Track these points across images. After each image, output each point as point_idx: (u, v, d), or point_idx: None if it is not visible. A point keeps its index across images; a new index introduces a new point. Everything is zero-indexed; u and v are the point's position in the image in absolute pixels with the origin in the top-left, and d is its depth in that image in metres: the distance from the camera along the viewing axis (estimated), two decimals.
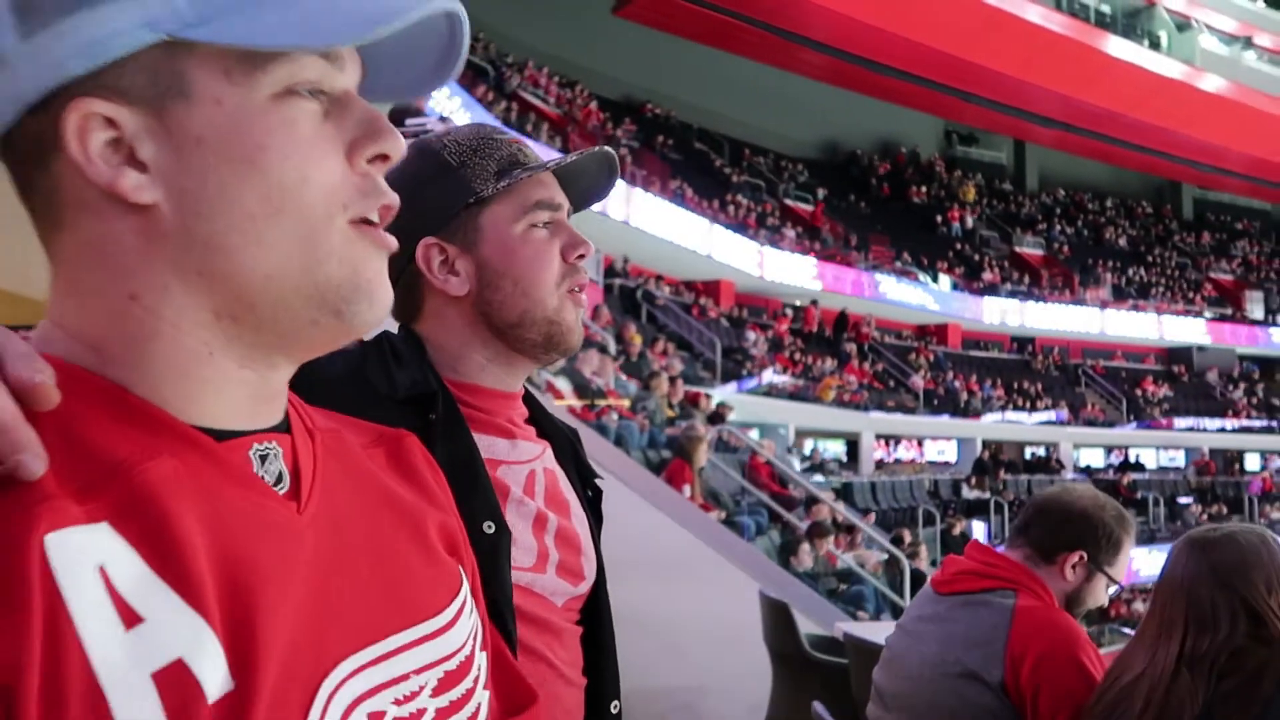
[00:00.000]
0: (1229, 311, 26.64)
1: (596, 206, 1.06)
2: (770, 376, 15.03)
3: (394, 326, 0.97)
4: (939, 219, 25.47)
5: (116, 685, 0.39)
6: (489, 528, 0.84)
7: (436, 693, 0.52)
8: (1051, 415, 20.65)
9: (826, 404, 15.76)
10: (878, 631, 3.43)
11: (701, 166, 21.01)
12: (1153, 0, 24.09)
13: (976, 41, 20.17)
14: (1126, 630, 14.69)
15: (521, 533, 0.92)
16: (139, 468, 0.43)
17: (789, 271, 18.45)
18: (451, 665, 0.54)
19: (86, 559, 0.40)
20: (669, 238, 15.45)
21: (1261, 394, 24.42)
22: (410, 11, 0.47)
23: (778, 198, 21.95)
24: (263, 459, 0.49)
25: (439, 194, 0.93)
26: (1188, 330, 24.71)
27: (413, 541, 0.56)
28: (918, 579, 7.03)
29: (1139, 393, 22.94)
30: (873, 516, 11.65)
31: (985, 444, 18.95)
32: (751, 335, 16.47)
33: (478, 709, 0.55)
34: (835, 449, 17.66)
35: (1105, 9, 23.28)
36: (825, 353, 18.06)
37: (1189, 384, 24.28)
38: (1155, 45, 23.49)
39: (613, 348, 9.71)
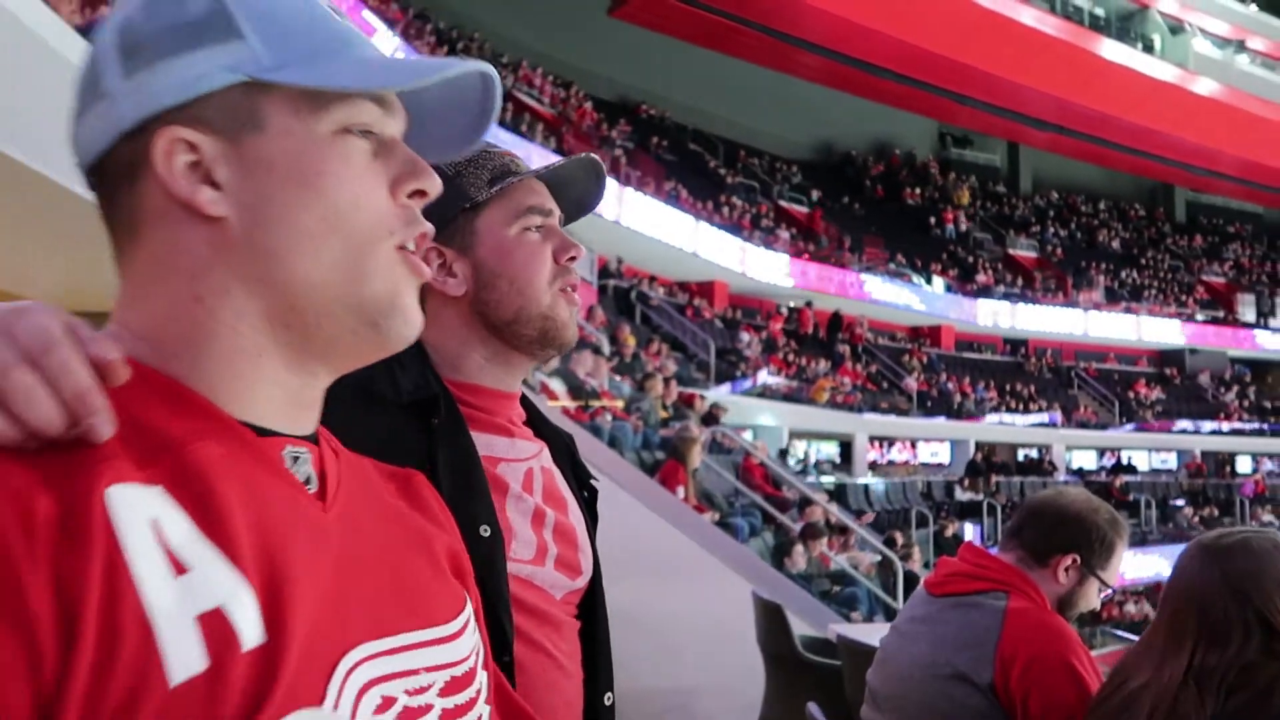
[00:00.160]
0: (1221, 314, 26.74)
1: None
2: (764, 378, 15.05)
3: None
4: (933, 221, 25.52)
5: (164, 622, 0.44)
6: (485, 531, 0.88)
7: (443, 694, 0.56)
8: (1044, 417, 20.70)
9: (820, 405, 15.78)
10: (871, 633, 3.43)
11: (696, 167, 21.02)
12: (1146, 3, 24.19)
13: (971, 44, 20.23)
14: (1119, 633, 14.74)
15: (521, 527, 0.95)
16: (189, 446, 0.49)
17: (767, 269, 18.33)
18: (458, 672, 0.58)
19: (141, 512, 0.45)
20: (655, 234, 15.38)
21: (1253, 396, 24.51)
22: (448, 70, 0.56)
23: (772, 199, 21.97)
24: (294, 460, 0.55)
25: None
26: (1179, 332, 24.74)
27: (422, 558, 0.61)
28: (910, 581, 7.04)
29: (1131, 395, 23.02)
30: (866, 518, 11.67)
31: (978, 446, 18.99)
32: (745, 336, 16.49)
33: (481, 718, 0.59)
34: (829, 450, 17.68)
35: (1099, 12, 23.37)
36: (819, 354, 18.08)
37: (1181, 386, 24.36)
38: (1149, 48, 23.58)
39: (607, 349, 9.71)
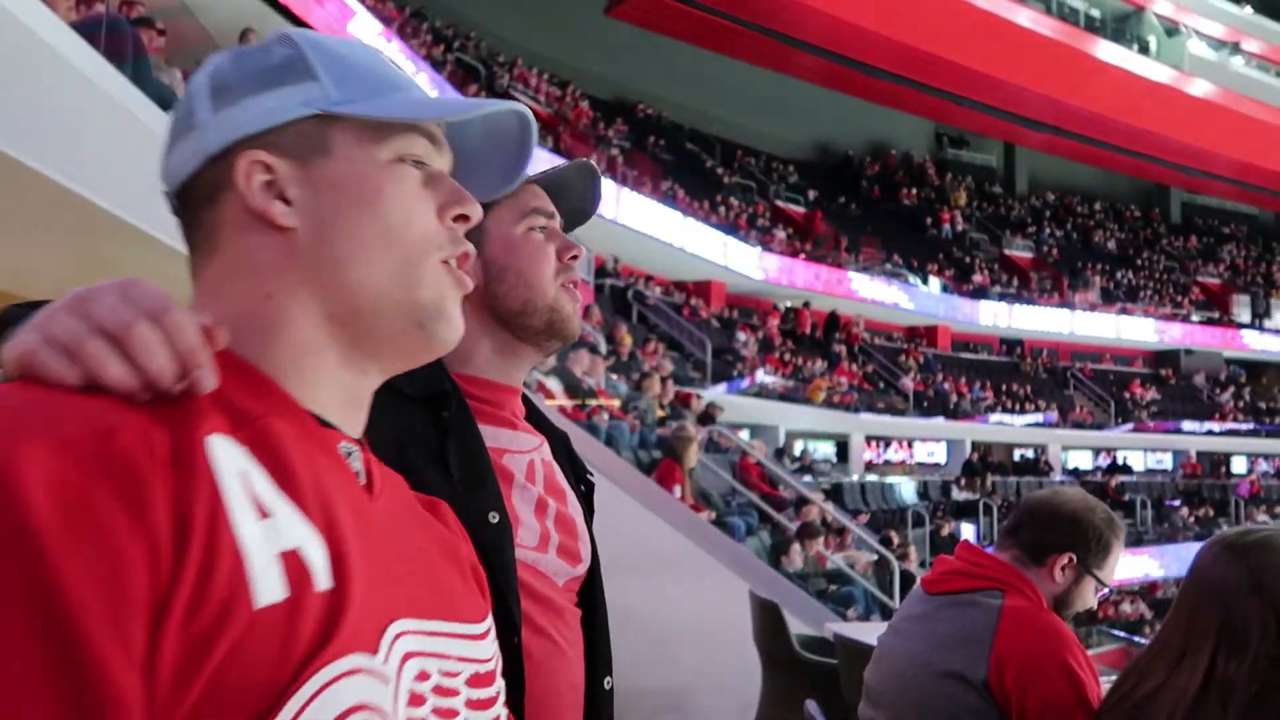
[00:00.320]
0: (1216, 315, 26.80)
1: None
2: (761, 377, 15.05)
3: None
4: (929, 221, 25.55)
5: (253, 552, 0.49)
6: (494, 518, 0.92)
7: (470, 684, 0.61)
8: (1040, 417, 20.72)
9: (817, 405, 15.78)
10: (867, 632, 3.44)
11: (693, 167, 21.02)
12: (1142, 5, 24.23)
13: (967, 45, 20.25)
14: (1115, 632, 14.75)
15: (526, 515, 1.00)
16: (264, 419, 0.55)
17: (751, 264, 18.14)
18: (482, 669, 0.63)
19: (233, 461, 0.52)
20: (645, 230, 15.28)
21: (1248, 397, 24.57)
22: (486, 106, 0.66)
23: (769, 199, 21.98)
24: (348, 454, 0.62)
25: None
26: (1153, 331, 24.64)
27: (451, 565, 0.67)
28: (907, 580, 7.05)
29: (1127, 395, 23.06)
30: (863, 518, 11.68)
31: (974, 446, 19.01)
32: (742, 336, 16.49)
33: (498, 719, 0.64)
34: (825, 450, 17.69)
35: (1095, 13, 23.41)
36: (816, 354, 18.09)
37: (1176, 387, 24.41)
38: (1144, 50, 23.62)
39: (604, 348, 9.71)
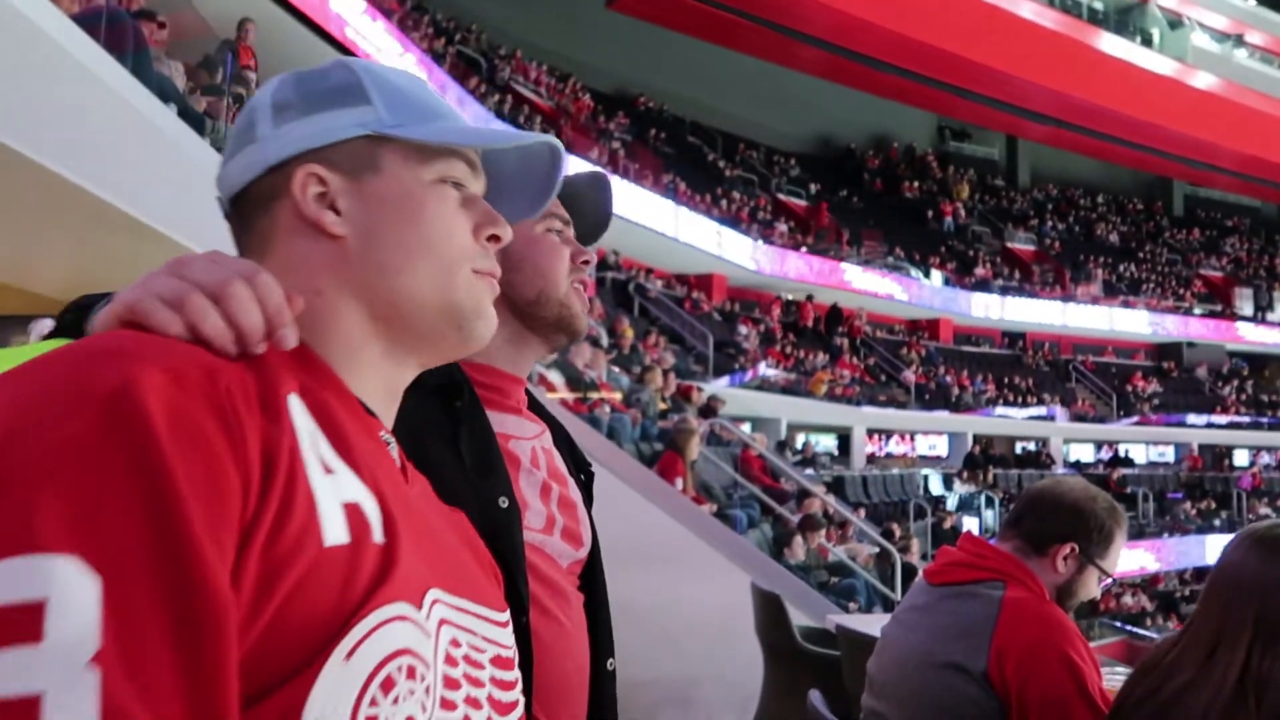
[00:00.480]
0: (1219, 308, 26.76)
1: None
2: (763, 370, 15.04)
3: None
4: (930, 214, 25.51)
5: (322, 497, 0.54)
6: (504, 503, 0.96)
7: (494, 664, 0.65)
8: (1042, 410, 20.71)
9: (818, 398, 15.78)
10: (869, 623, 3.44)
11: (694, 161, 20.98)
12: None
13: (970, 37, 20.18)
14: (1117, 624, 14.75)
15: (532, 499, 1.05)
16: (324, 393, 0.61)
17: (741, 253, 17.98)
18: (505, 654, 0.67)
19: (305, 420, 0.57)
20: (637, 219, 15.13)
21: (1250, 390, 24.54)
22: (524, 138, 0.74)
23: (770, 192, 21.94)
24: (387, 443, 0.67)
25: None
26: (1146, 323, 24.53)
27: (475, 559, 0.71)
28: (908, 572, 7.06)
29: (1129, 388, 23.03)
30: (863, 511, 11.69)
31: (976, 439, 19.01)
32: (744, 329, 16.48)
33: (517, 704, 0.67)
34: (827, 443, 17.69)
35: (1098, 6, 23.31)
36: (817, 347, 18.08)
37: (1178, 380, 24.38)
38: (1147, 42, 23.54)
39: (605, 341, 9.71)
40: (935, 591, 1.75)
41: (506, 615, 0.70)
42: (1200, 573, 19.35)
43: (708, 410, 9.27)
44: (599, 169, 1.16)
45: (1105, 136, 24.50)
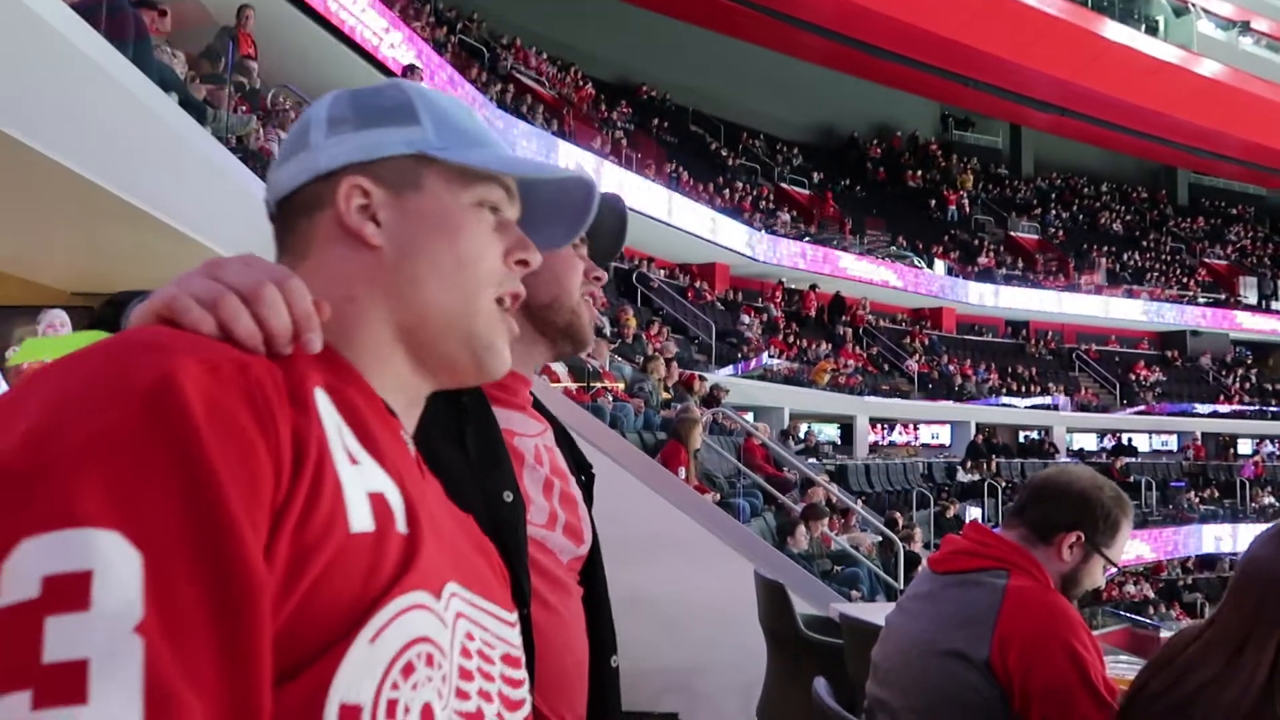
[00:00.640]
0: (1223, 296, 26.69)
1: None
2: (766, 360, 15.03)
3: None
4: (934, 203, 25.44)
5: (349, 485, 0.56)
6: (508, 496, 0.98)
7: (504, 662, 0.67)
8: (1045, 399, 20.69)
9: (821, 387, 15.77)
10: (872, 612, 3.45)
11: (697, 150, 20.93)
12: None
13: (973, 25, 20.09)
14: (1120, 612, 14.75)
15: (535, 494, 1.07)
16: (348, 390, 0.62)
17: (737, 238, 17.75)
18: (514, 652, 0.69)
19: (331, 413, 0.59)
20: (636, 206, 15.09)
21: (1254, 379, 24.49)
22: (561, 172, 0.78)
23: (773, 181, 21.89)
24: (407, 443, 0.68)
25: None
26: (1141, 311, 24.39)
27: (486, 561, 0.72)
28: (911, 561, 7.06)
29: (1132, 377, 23.01)
30: (866, 500, 11.70)
31: (979, 428, 19.00)
32: (746, 319, 16.47)
33: (524, 702, 0.68)
34: (830, 432, 17.70)
35: None
36: (820, 337, 18.06)
37: (1182, 368, 24.35)
38: (1152, 29, 23.41)
39: (608, 330, 9.71)
40: (939, 579, 1.75)
41: (515, 616, 0.71)
42: (1203, 561, 19.38)
43: (710, 399, 9.28)
44: (616, 194, 1.19)
45: (1109, 125, 24.41)
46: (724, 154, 21.49)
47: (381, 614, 0.54)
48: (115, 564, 0.45)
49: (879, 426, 18.74)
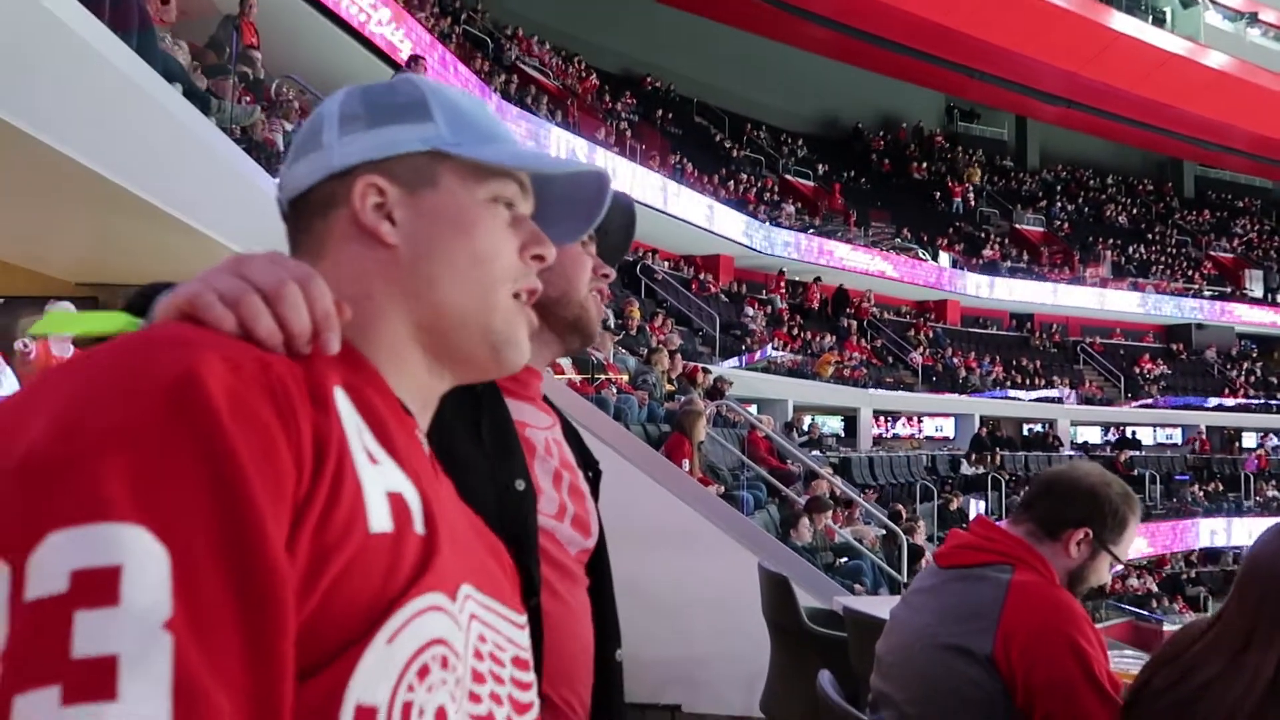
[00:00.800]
0: (1228, 290, 26.61)
1: None
2: (770, 352, 15.02)
3: None
4: (939, 195, 25.37)
5: (368, 485, 0.56)
6: (520, 485, 1.00)
7: (514, 664, 0.67)
8: (1049, 392, 20.66)
9: (825, 380, 15.76)
10: (875, 605, 3.45)
11: (701, 141, 20.88)
12: None
13: (979, 16, 20.00)
14: (1123, 606, 14.75)
15: (546, 485, 1.09)
16: (366, 389, 0.62)
17: (731, 226, 17.63)
18: (523, 655, 0.69)
19: (350, 412, 0.59)
20: (638, 197, 14.93)
21: (1259, 372, 24.43)
22: (575, 166, 0.78)
23: (778, 173, 21.84)
24: (421, 442, 0.68)
25: None
26: (1137, 303, 24.28)
27: (496, 562, 0.72)
28: (915, 554, 7.06)
29: (1137, 370, 22.96)
30: (870, 493, 11.69)
31: (983, 420, 18.99)
32: (750, 311, 16.45)
33: (533, 705, 0.68)
34: (834, 425, 17.69)
35: None
36: (824, 329, 18.05)
37: (1187, 362, 24.29)
38: (1160, 21, 23.30)
39: (612, 322, 9.70)
40: (944, 574, 1.75)
41: (524, 618, 0.71)
42: (1207, 555, 19.37)
43: (714, 392, 9.28)
44: (626, 194, 1.20)
45: (1116, 117, 24.31)
46: (728, 146, 21.44)
47: (399, 615, 0.54)
48: (143, 559, 0.45)
49: (883, 419, 18.74)
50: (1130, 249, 26.70)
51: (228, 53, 7.07)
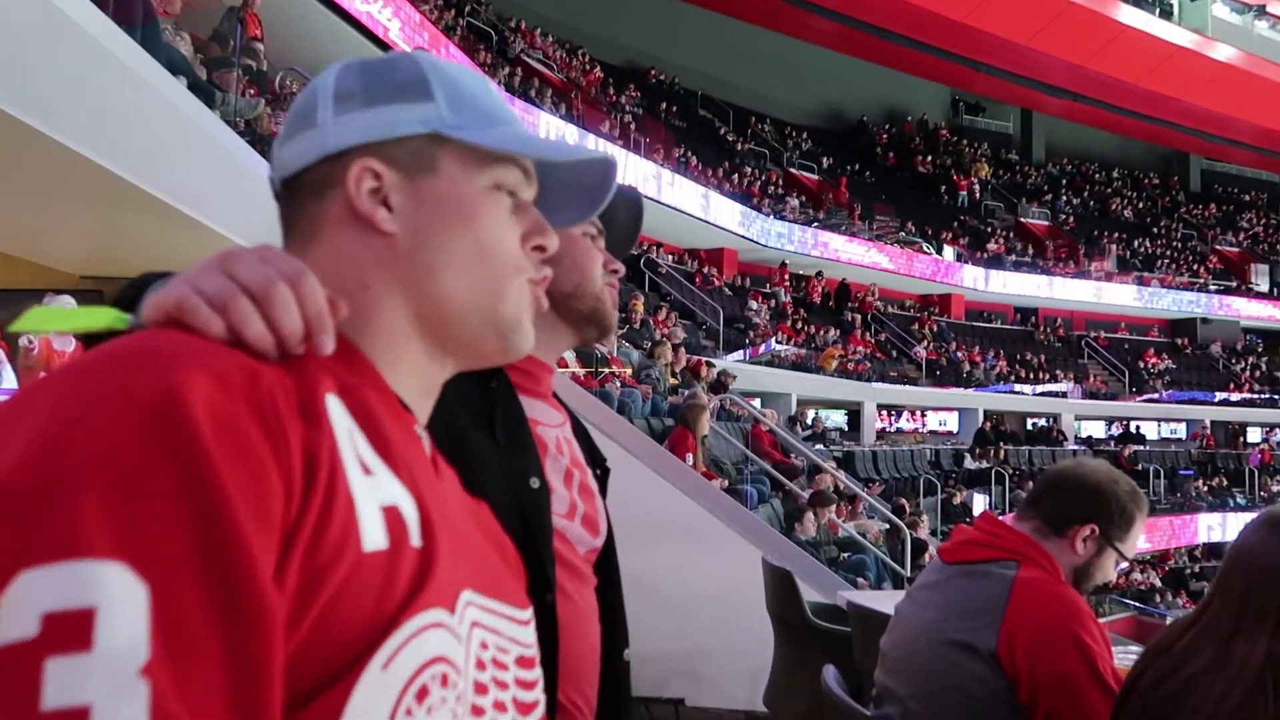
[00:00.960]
0: (1234, 284, 26.53)
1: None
2: (773, 346, 15.01)
3: None
4: (944, 189, 25.30)
5: (362, 501, 0.54)
6: (534, 483, 0.99)
7: (518, 664, 0.65)
8: (1054, 386, 20.62)
9: (829, 374, 15.75)
10: (879, 600, 3.45)
11: (706, 134, 20.84)
12: None
13: (985, 8, 19.91)
14: (1127, 601, 14.75)
15: (556, 484, 1.07)
16: (362, 390, 0.60)
17: (724, 214, 17.40)
18: (527, 652, 0.67)
19: (343, 420, 0.56)
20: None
21: (1265, 367, 24.37)
22: (583, 153, 0.74)
23: (782, 166, 21.79)
24: (420, 437, 0.66)
25: None
26: (1134, 296, 24.15)
27: (499, 555, 0.71)
28: (918, 548, 7.07)
29: (1141, 365, 22.91)
30: (874, 487, 11.69)
31: (987, 415, 18.96)
32: (754, 304, 16.43)
33: (538, 704, 0.67)
34: (837, 419, 17.68)
35: None
36: (828, 323, 18.03)
37: (1192, 356, 24.24)
38: (1166, 13, 23.18)
39: (616, 315, 9.67)
40: (949, 569, 1.75)
41: (528, 613, 0.69)
42: (1211, 549, 19.35)
43: (718, 386, 9.27)
44: (633, 187, 1.19)
45: (1122, 110, 24.21)
46: (732, 139, 21.39)
47: (395, 636, 0.52)
48: (120, 599, 0.42)
49: (886, 413, 18.72)
50: (1136, 243, 26.62)
51: (232, 45, 7.06)
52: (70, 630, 0.41)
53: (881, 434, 18.00)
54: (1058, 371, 21.29)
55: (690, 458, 6.08)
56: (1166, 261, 26.21)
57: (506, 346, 0.69)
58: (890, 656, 1.80)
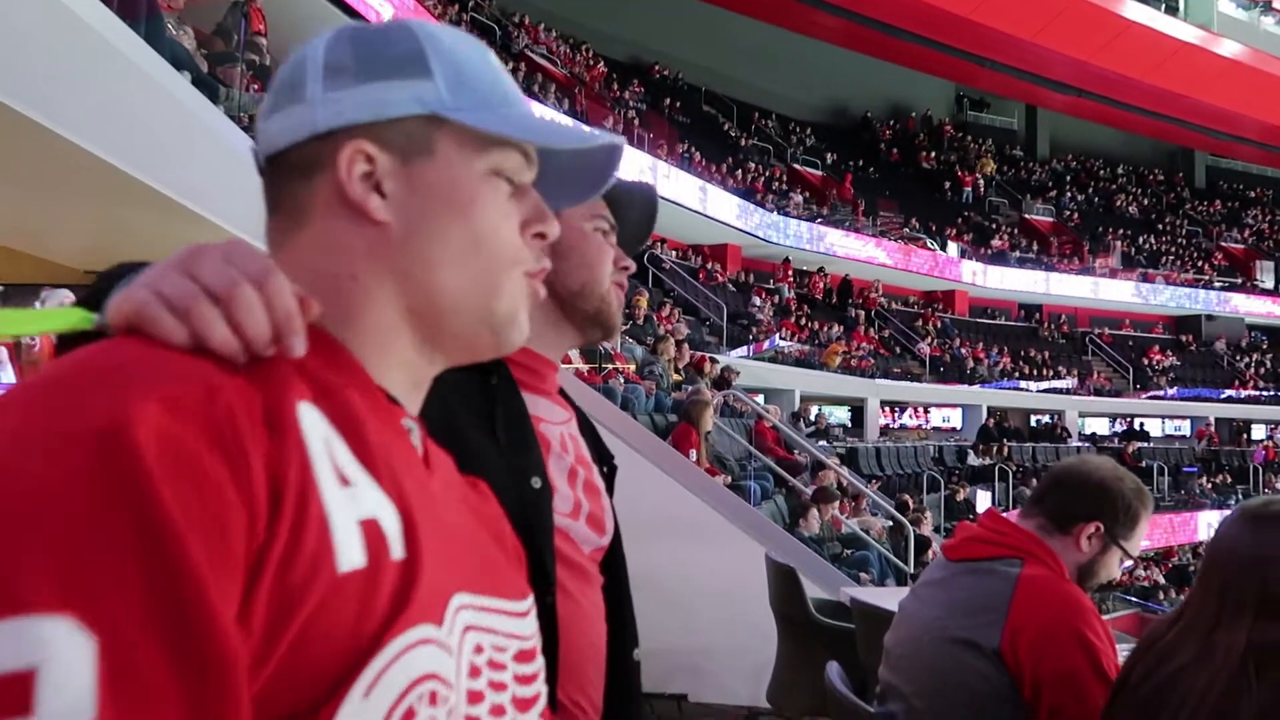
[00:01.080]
0: (1239, 280, 26.47)
1: None
2: (777, 342, 15.01)
3: None
4: (948, 185, 25.26)
5: (337, 518, 0.51)
6: (536, 483, 0.97)
7: (516, 660, 0.63)
8: (1058, 383, 20.60)
9: (832, 370, 15.74)
10: (882, 596, 3.45)
11: (709, 130, 20.82)
12: None
13: (989, 4, 19.86)
14: (1131, 598, 14.74)
15: (560, 483, 1.05)
16: (345, 391, 0.57)
17: (722, 209, 17.20)
18: (526, 645, 0.65)
19: (318, 428, 0.53)
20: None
21: (1269, 363, 24.32)
22: (590, 140, 0.69)
23: (786, 162, 21.77)
24: (409, 431, 0.64)
25: None
26: (1134, 292, 24.08)
27: (496, 544, 0.69)
28: (921, 545, 7.07)
29: (1145, 361, 22.88)
30: (877, 483, 11.69)
31: (990, 411, 18.94)
32: (758, 300, 16.42)
33: (539, 696, 0.66)
34: (840, 415, 17.67)
35: None
36: (832, 319, 18.01)
37: (1196, 353, 24.19)
38: (1172, 9, 23.12)
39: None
40: (953, 567, 1.75)
41: (527, 603, 0.67)
42: None
43: (721, 382, 9.27)
44: (649, 183, 1.19)
45: (1127, 106, 24.15)
46: (736, 134, 21.37)
47: (378, 660, 0.50)
48: (64, 656, 0.39)
49: (890, 409, 18.70)
50: (1140, 239, 26.57)
51: (235, 40, 7.06)
52: (9, 695, 0.39)
53: (885, 430, 18.00)
54: (1061, 368, 21.26)
55: (694, 454, 6.08)
56: (1171, 258, 26.16)
57: (500, 342, 0.66)
58: (894, 653, 1.79)
